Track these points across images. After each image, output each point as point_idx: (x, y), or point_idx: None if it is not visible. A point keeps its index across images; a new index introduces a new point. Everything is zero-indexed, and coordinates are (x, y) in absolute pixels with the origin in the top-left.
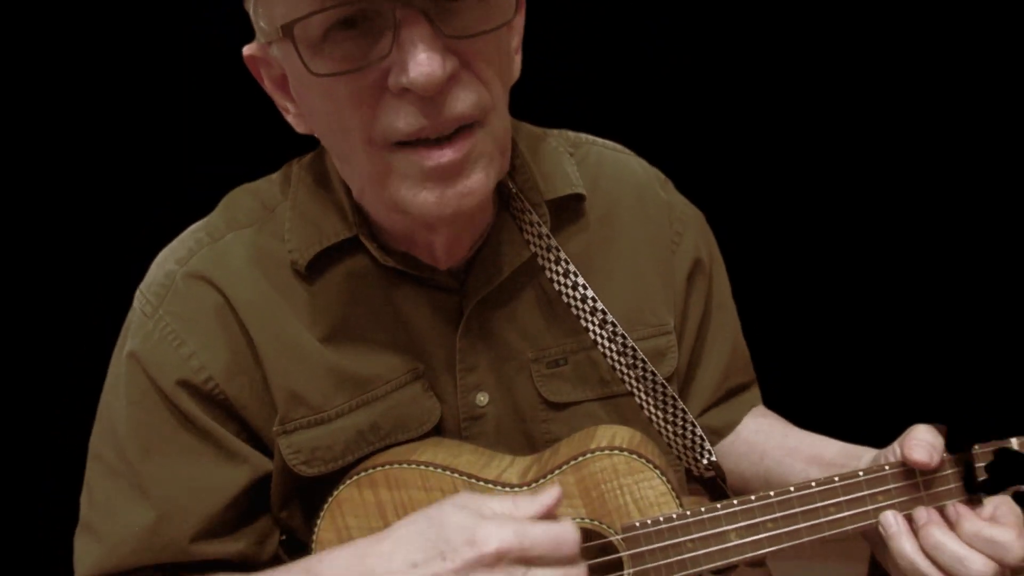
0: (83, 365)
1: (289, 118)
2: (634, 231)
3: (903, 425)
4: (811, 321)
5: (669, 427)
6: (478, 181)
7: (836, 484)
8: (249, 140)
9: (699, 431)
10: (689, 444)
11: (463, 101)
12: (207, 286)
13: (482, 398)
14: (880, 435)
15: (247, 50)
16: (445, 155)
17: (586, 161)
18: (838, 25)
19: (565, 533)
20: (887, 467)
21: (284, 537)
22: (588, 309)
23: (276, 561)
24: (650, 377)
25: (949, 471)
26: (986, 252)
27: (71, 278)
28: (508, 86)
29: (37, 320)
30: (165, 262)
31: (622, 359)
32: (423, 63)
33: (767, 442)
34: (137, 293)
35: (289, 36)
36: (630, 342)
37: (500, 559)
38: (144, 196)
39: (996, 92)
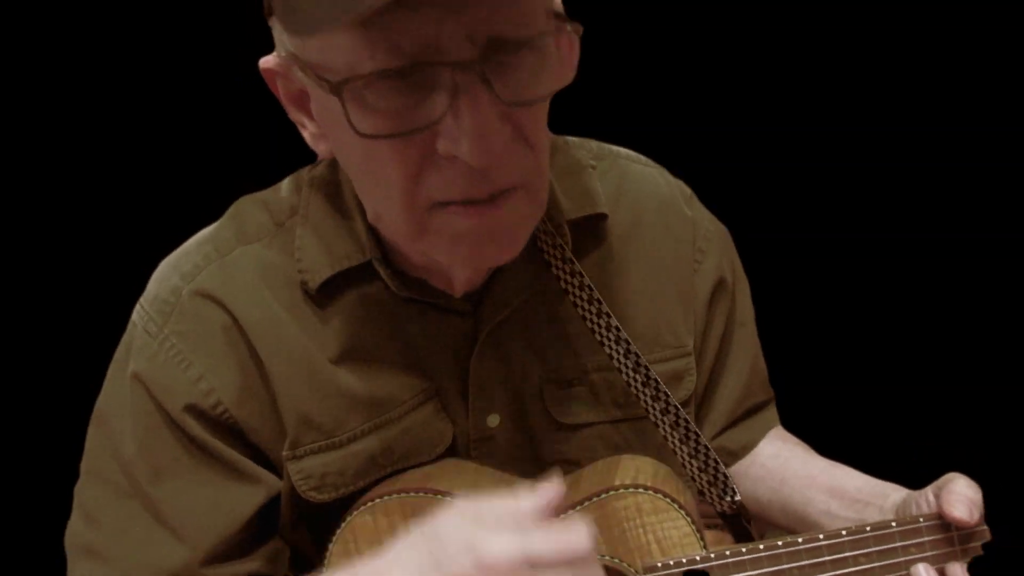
0: (82, 368)
1: (305, 135)
2: (655, 249)
3: (921, 448)
4: (830, 338)
5: (694, 461)
6: (515, 239)
7: (868, 534)
8: (251, 141)
9: (723, 468)
10: (712, 479)
11: (512, 171)
12: (215, 306)
13: (493, 420)
14: (894, 455)
15: (266, 63)
16: (484, 218)
17: (608, 175)
18: (860, 33)
19: (576, 539)
20: (921, 519)
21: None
22: (613, 338)
23: None
24: (673, 411)
25: (986, 526)
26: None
27: (70, 281)
28: None
29: (36, 322)
30: (170, 276)
31: (647, 389)
32: (482, 138)
33: (786, 469)
34: (138, 307)
35: (337, 94)
36: (653, 373)
37: (502, 568)
38: (143, 197)
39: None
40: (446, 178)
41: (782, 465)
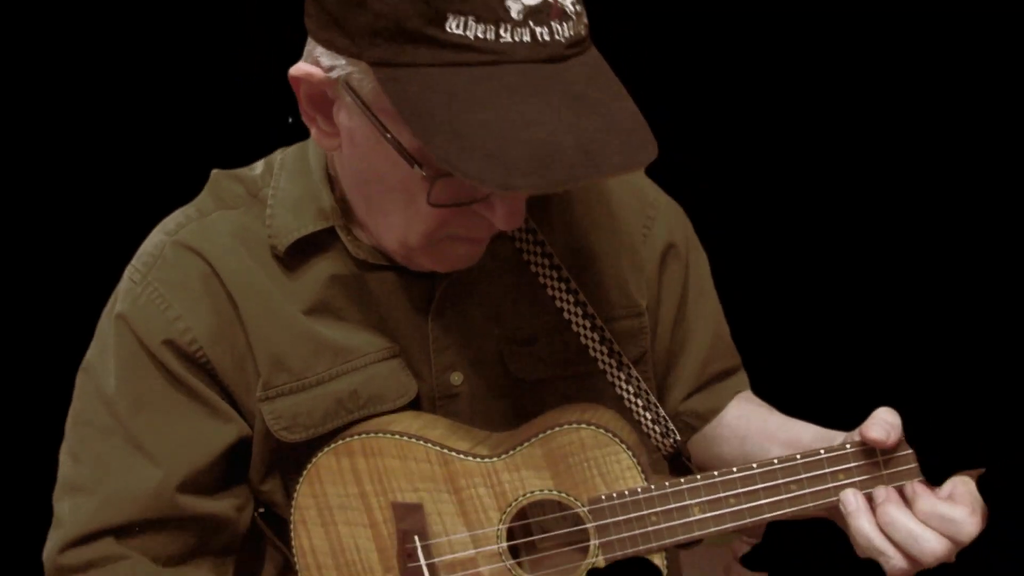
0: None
1: (314, 129)
2: (606, 215)
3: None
4: (798, 309)
5: (639, 400)
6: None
7: (798, 461)
8: (242, 136)
9: (662, 412)
10: (654, 419)
11: (517, 225)
12: (194, 256)
13: (456, 377)
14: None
15: (300, 72)
16: (474, 251)
17: None
18: (824, 21)
19: None
20: (848, 445)
21: (263, 510)
22: (564, 289)
23: (256, 532)
24: (617, 357)
25: (909, 451)
26: (971, 247)
27: (66, 273)
28: None
29: (35, 316)
30: (156, 235)
31: (595, 335)
32: (515, 215)
33: (748, 427)
34: (128, 267)
35: (431, 181)
36: (599, 322)
37: None
38: (139, 192)
39: (983, 91)
40: (470, 225)
41: (744, 424)
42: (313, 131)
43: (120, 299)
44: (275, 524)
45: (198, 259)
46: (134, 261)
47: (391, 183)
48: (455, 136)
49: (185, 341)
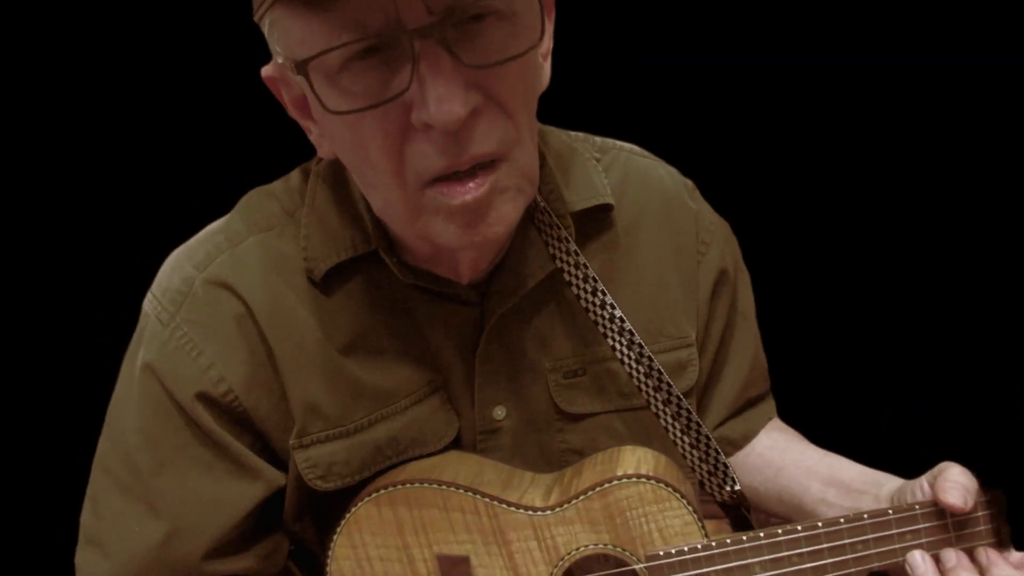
0: (91, 369)
1: (312, 138)
2: (660, 240)
3: (914, 440)
4: (825, 332)
5: (694, 451)
6: (505, 214)
7: (865, 521)
8: (259, 138)
9: (723, 458)
10: (712, 469)
11: (487, 140)
12: (228, 293)
13: (499, 412)
14: (887, 448)
15: (265, 71)
16: (469, 192)
17: (613, 168)
18: (858, 29)
19: None
20: (917, 506)
21: (294, 547)
22: (617, 329)
23: (286, 574)
24: (675, 401)
25: (980, 513)
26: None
27: (80, 280)
28: (536, 100)
29: (45, 323)
30: (181, 266)
31: (649, 380)
32: (444, 100)
33: (783, 458)
34: (149, 297)
35: (303, 73)
36: (656, 364)
37: None
38: (152, 195)
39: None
40: (424, 150)
41: (779, 455)
42: (312, 139)
43: (146, 344)
44: (305, 560)
45: (232, 297)
46: (159, 296)
47: (346, 145)
48: None
49: (219, 392)
